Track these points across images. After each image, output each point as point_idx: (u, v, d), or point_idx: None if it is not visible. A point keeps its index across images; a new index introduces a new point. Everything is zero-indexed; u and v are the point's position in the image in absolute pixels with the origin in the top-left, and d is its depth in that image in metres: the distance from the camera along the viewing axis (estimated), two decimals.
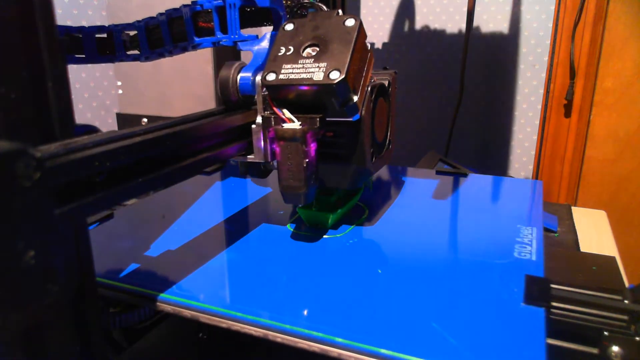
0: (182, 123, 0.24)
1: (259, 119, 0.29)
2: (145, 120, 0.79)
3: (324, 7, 0.31)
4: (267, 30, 0.33)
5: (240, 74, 0.30)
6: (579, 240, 0.44)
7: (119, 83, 0.81)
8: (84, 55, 0.37)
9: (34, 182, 0.13)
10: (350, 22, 0.28)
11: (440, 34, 0.98)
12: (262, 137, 0.29)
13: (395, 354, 0.20)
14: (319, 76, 0.26)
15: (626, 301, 0.23)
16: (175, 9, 0.35)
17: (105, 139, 0.19)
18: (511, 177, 0.45)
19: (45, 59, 0.16)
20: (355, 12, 1.01)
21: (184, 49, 0.36)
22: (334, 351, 0.21)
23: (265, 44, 0.32)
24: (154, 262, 0.29)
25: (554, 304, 0.23)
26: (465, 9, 0.85)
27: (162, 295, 0.25)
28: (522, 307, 0.23)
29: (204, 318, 0.24)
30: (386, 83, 0.34)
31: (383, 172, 0.48)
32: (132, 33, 0.38)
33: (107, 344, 0.30)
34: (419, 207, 0.38)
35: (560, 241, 0.44)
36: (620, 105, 0.80)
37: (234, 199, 0.41)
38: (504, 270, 0.27)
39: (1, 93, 0.14)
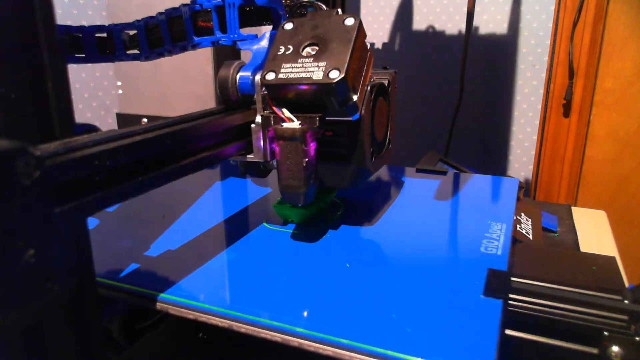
0: (181, 122, 0.24)
1: (258, 119, 0.29)
2: (145, 120, 0.79)
3: (324, 7, 0.31)
4: (266, 30, 0.33)
5: (240, 73, 0.30)
6: (579, 240, 0.44)
7: (119, 83, 0.81)
8: (83, 55, 0.37)
9: (34, 181, 0.13)
10: (349, 21, 0.28)
11: (440, 34, 0.98)
12: (261, 137, 0.29)
13: (396, 353, 0.20)
14: (318, 75, 0.26)
15: (626, 301, 0.23)
16: (174, 8, 0.35)
17: (105, 138, 0.19)
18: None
19: (45, 59, 0.16)
20: (355, 12, 1.01)
21: (184, 49, 0.36)
22: (334, 351, 0.21)
23: (264, 43, 0.32)
24: (154, 262, 0.29)
25: (512, 295, 0.24)
26: (465, 9, 0.85)
27: (162, 295, 0.25)
28: (480, 299, 0.24)
29: (204, 318, 0.24)
30: (386, 82, 0.34)
31: (383, 173, 0.48)
32: (132, 32, 0.38)
33: (107, 344, 0.30)
34: (397, 205, 0.38)
35: (560, 241, 0.44)
36: (620, 105, 0.80)
37: (234, 199, 0.41)
38: (469, 265, 0.27)
39: (1, 93, 0.14)
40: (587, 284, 0.24)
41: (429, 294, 0.24)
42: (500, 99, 0.97)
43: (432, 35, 0.99)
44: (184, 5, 0.34)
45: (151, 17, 0.36)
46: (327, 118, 0.28)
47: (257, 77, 0.29)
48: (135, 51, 0.38)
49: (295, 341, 0.22)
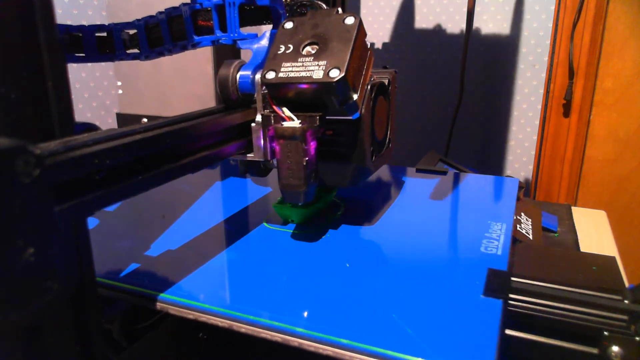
0: (182, 121, 0.24)
1: (258, 118, 0.29)
2: (145, 120, 0.79)
3: (324, 6, 0.31)
4: (266, 29, 0.33)
5: (240, 73, 0.30)
6: (579, 240, 0.44)
7: (119, 83, 0.81)
8: (83, 54, 0.37)
9: (34, 179, 0.13)
10: (349, 20, 0.28)
11: (440, 34, 0.98)
12: (261, 136, 0.29)
13: (394, 353, 0.20)
14: (318, 74, 0.26)
15: (626, 301, 0.23)
16: (174, 8, 0.35)
17: (104, 136, 0.19)
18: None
19: (45, 59, 0.16)
20: (355, 12, 1.01)
21: (184, 48, 0.36)
22: (334, 351, 0.21)
23: (264, 42, 0.32)
24: (154, 262, 0.29)
25: (512, 295, 0.24)
26: (465, 9, 0.85)
27: (162, 295, 0.25)
28: (481, 299, 0.24)
29: (204, 318, 0.24)
30: (386, 81, 0.34)
31: (383, 172, 0.48)
32: (132, 32, 0.38)
33: (107, 344, 0.30)
34: (397, 205, 0.38)
35: (560, 241, 0.44)
36: (620, 105, 0.80)
37: (234, 198, 0.41)
38: (469, 265, 0.27)
39: (1, 93, 0.14)
40: (587, 284, 0.24)
41: (429, 294, 0.24)
42: (500, 99, 0.97)
43: (432, 35, 0.99)
44: (184, 4, 0.34)
45: (151, 17, 0.36)
46: (327, 117, 0.28)
47: (258, 76, 0.29)
48: (135, 50, 0.38)
49: (295, 341, 0.22)
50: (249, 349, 0.28)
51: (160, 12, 0.36)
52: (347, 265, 0.28)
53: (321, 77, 0.26)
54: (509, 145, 0.98)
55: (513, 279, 0.25)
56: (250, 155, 0.30)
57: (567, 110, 0.82)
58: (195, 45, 0.35)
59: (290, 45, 0.28)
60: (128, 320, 0.31)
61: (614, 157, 0.82)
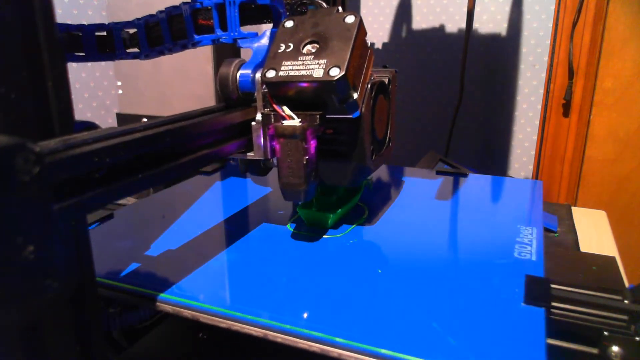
0: (182, 120, 0.24)
1: (258, 116, 0.29)
2: (145, 120, 0.79)
3: (324, 4, 0.31)
4: (265, 28, 0.33)
5: (240, 71, 0.30)
6: (579, 240, 0.44)
7: (119, 83, 0.81)
8: (83, 53, 0.37)
9: (33, 177, 0.13)
10: (350, 19, 0.28)
11: (440, 34, 0.98)
12: (262, 135, 0.29)
13: (395, 354, 0.20)
14: (318, 73, 0.26)
15: (626, 301, 0.23)
16: (175, 7, 0.35)
17: (104, 135, 0.19)
18: (511, 177, 0.45)
19: (45, 59, 0.16)
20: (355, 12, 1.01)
21: (184, 47, 0.36)
22: (334, 351, 0.21)
23: (265, 41, 0.32)
24: (154, 262, 0.29)
25: (554, 304, 0.23)
26: (465, 9, 0.85)
27: (162, 295, 0.25)
28: (522, 307, 0.23)
29: (204, 318, 0.24)
30: (386, 80, 0.34)
31: (382, 172, 0.48)
32: (132, 31, 0.38)
33: (107, 344, 0.30)
34: (419, 207, 0.37)
35: (560, 241, 0.44)
36: (620, 105, 0.80)
37: (234, 198, 0.41)
38: (504, 270, 0.27)
39: (1, 93, 0.14)
40: (587, 284, 0.24)
41: (469, 302, 0.24)
42: (500, 99, 0.97)
43: (432, 35, 0.99)
44: (185, 3, 0.34)
45: (151, 16, 0.36)
46: (327, 116, 0.28)
47: (258, 75, 0.29)
48: (135, 50, 0.38)
49: (295, 341, 0.22)
50: (249, 349, 0.28)
51: (161, 11, 0.36)
52: (379, 272, 0.27)
53: (321, 75, 0.26)
54: (509, 145, 0.98)
55: (553, 286, 0.24)
56: (250, 154, 0.30)
57: (567, 110, 0.82)
58: (195, 44, 0.35)
59: (290, 44, 0.28)
60: None
61: (614, 157, 0.82)
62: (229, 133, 0.28)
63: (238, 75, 0.30)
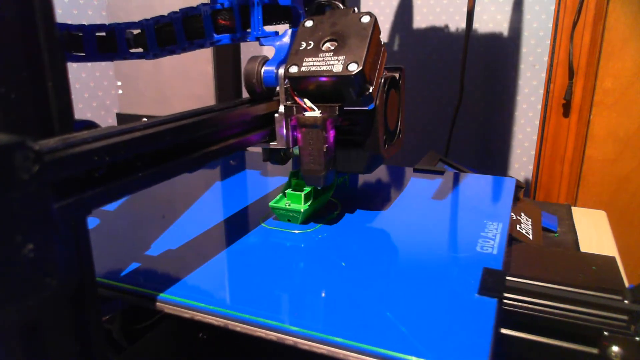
0: (187, 117, 0.25)
1: (281, 109, 0.32)
2: (145, 120, 0.79)
3: (341, 5, 0.33)
4: (268, 29, 0.35)
5: (264, 68, 0.32)
6: (579, 240, 0.44)
7: (119, 83, 0.81)
8: (84, 54, 0.38)
9: (33, 175, 0.13)
10: (366, 18, 0.30)
11: (440, 34, 0.98)
12: (284, 125, 0.32)
13: (347, 341, 0.20)
14: (338, 68, 0.29)
15: (626, 301, 0.23)
16: (191, 8, 0.36)
17: (104, 134, 0.19)
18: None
19: (45, 59, 0.16)
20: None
21: (201, 46, 0.37)
22: (329, 349, 0.21)
23: (286, 39, 0.34)
24: (154, 262, 0.29)
25: (507, 295, 0.24)
26: (465, 9, 0.85)
27: (162, 295, 0.25)
28: (475, 297, 0.24)
29: (200, 317, 0.24)
30: (397, 76, 0.36)
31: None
32: (136, 31, 0.38)
33: (107, 344, 0.30)
34: (393, 204, 0.38)
35: (560, 241, 0.44)
36: (620, 105, 0.80)
37: (234, 198, 0.41)
38: (464, 263, 0.27)
39: (1, 93, 0.14)
40: (587, 284, 0.24)
41: (424, 293, 0.25)
42: (500, 99, 0.97)
43: (432, 35, 0.99)
44: (204, 4, 0.36)
45: (162, 16, 0.37)
46: (344, 108, 0.30)
47: (281, 71, 0.32)
48: (140, 50, 0.39)
49: (290, 340, 0.22)
50: (249, 349, 0.28)
51: (175, 12, 0.37)
52: (343, 265, 0.28)
53: (340, 70, 0.28)
54: (509, 145, 0.98)
55: (508, 278, 0.25)
56: (273, 144, 0.32)
57: (567, 110, 0.82)
58: (214, 43, 0.37)
59: (311, 42, 0.31)
60: (128, 320, 0.31)
61: (614, 157, 0.82)
62: (253, 124, 0.31)
63: (262, 71, 0.32)
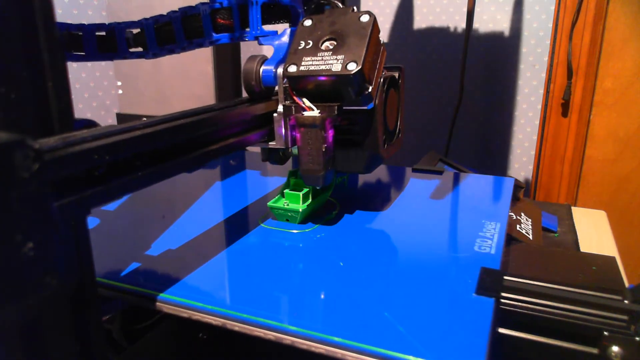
0: (185, 116, 0.25)
1: (280, 108, 0.31)
2: (144, 120, 0.79)
3: (340, 4, 0.33)
4: (267, 28, 0.35)
5: (263, 67, 0.32)
6: (579, 240, 0.44)
7: (119, 83, 0.81)
8: (83, 53, 0.38)
9: (33, 174, 0.13)
10: (365, 18, 0.30)
11: (440, 34, 0.98)
12: (283, 125, 0.31)
13: (346, 341, 0.20)
14: (337, 67, 0.28)
15: (626, 301, 0.23)
16: (190, 7, 0.36)
17: (104, 133, 0.19)
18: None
19: (45, 59, 0.16)
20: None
21: (200, 45, 0.37)
22: (327, 349, 0.21)
23: (285, 39, 0.34)
24: (154, 262, 0.29)
25: (505, 294, 0.24)
26: (465, 9, 0.85)
27: (162, 295, 0.25)
28: (473, 297, 0.24)
29: (198, 316, 0.24)
30: (396, 75, 0.36)
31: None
32: (135, 31, 0.38)
33: (107, 344, 0.30)
34: (391, 204, 0.38)
35: (560, 241, 0.44)
36: (620, 105, 0.80)
37: (233, 198, 0.41)
38: (462, 263, 0.27)
39: (1, 93, 0.14)
40: (587, 284, 0.24)
41: (422, 293, 0.25)
42: (500, 99, 0.97)
43: (432, 35, 0.99)
44: (203, 3, 0.35)
45: (161, 16, 0.37)
46: (343, 107, 0.30)
47: (280, 70, 0.31)
48: (139, 49, 0.39)
49: (288, 339, 0.22)
50: (248, 349, 0.28)
51: (174, 11, 0.37)
52: (341, 264, 0.28)
53: (340, 69, 0.28)
54: (509, 145, 0.98)
55: (506, 277, 0.25)
56: (272, 143, 0.32)
57: (566, 110, 0.82)
58: (213, 42, 0.37)
59: (310, 41, 0.30)
60: (128, 320, 0.31)
61: (614, 157, 0.82)
62: (252, 124, 0.31)
63: (261, 70, 0.32)
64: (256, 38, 0.35)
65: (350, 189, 0.42)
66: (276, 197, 0.35)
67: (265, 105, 0.31)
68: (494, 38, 0.94)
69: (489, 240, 0.30)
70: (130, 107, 0.82)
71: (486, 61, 0.96)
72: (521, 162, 0.98)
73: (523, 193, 0.50)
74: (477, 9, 0.93)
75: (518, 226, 0.39)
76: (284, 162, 0.35)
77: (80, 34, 0.37)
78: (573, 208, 0.52)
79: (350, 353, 0.20)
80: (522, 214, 0.42)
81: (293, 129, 0.31)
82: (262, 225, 0.34)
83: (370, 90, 0.30)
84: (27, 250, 0.13)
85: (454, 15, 0.96)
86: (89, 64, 0.98)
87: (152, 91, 0.79)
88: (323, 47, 0.30)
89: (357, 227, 0.33)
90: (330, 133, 0.29)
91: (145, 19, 0.37)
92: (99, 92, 1.01)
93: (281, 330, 0.22)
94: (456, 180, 0.45)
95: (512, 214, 0.41)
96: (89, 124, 0.36)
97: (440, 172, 0.47)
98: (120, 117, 0.84)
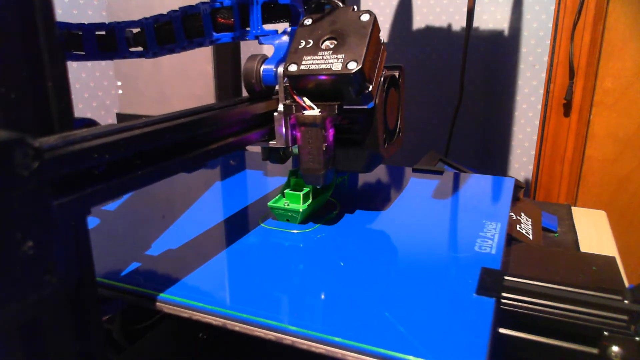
0: (186, 115, 0.25)
1: (280, 107, 0.31)
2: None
3: (340, 4, 0.33)
4: (267, 27, 0.35)
5: (263, 66, 0.32)
6: (579, 240, 0.44)
7: (119, 83, 0.81)
8: (83, 52, 0.38)
9: (32, 172, 0.13)
10: (365, 17, 0.30)
11: (440, 34, 0.98)
12: (283, 124, 0.31)
13: (346, 341, 0.20)
14: (337, 66, 0.28)
15: (626, 301, 0.23)
16: (191, 6, 0.36)
17: (103, 131, 0.19)
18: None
19: (45, 59, 0.16)
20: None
21: (200, 45, 0.37)
22: (336, 351, 0.21)
23: (285, 38, 0.34)
24: (154, 262, 0.29)
25: (505, 294, 0.24)
26: (465, 9, 0.85)
27: (162, 295, 0.25)
28: (473, 297, 0.24)
29: (198, 316, 0.24)
30: (397, 74, 0.36)
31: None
32: (135, 30, 0.38)
33: (107, 344, 0.30)
34: (391, 204, 0.38)
35: (560, 241, 0.44)
36: (620, 105, 0.80)
37: (233, 198, 0.41)
38: (463, 263, 0.27)
39: (1, 93, 0.14)
40: (587, 284, 0.24)
41: (422, 293, 0.25)
42: (500, 99, 0.97)
43: (432, 36, 0.99)
44: (203, 3, 0.35)
45: (162, 15, 0.37)
46: (344, 106, 0.30)
47: (280, 69, 0.31)
48: (139, 48, 0.38)
49: (288, 339, 0.22)
50: (248, 349, 0.28)
51: (174, 11, 0.37)
52: (341, 264, 0.28)
53: (340, 69, 0.28)
54: (509, 145, 0.98)
55: (506, 277, 0.25)
56: (272, 142, 0.32)
57: (567, 110, 0.82)
58: (213, 42, 0.37)
59: (310, 40, 0.31)
60: (128, 320, 0.31)
61: (614, 157, 0.82)
62: (252, 123, 0.31)
63: (261, 69, 0.32)
64: (256, 37, 0.35)
65: (350, 189, 0.42)
66: (276, 197, 0.35)
67: (266, 105, 0.31)
68: (494, 38, 0.94)
69: (490, 240, 0.30)
70: (130, 107, 0.82)
71: (486, 61, 0.95)
72: (521, 162, 0.98)
73: (523, 193, 0.50)
74: (477, 9, 0.93)
75: (518, 226, 0.39)
76: (284, 162, 0.35)
77: (80, 33, 0.37)
78: (573, 208, 0.52)
79: (350, 353, 0.20)
80: (522, 214, 0.42)
81: (293, 128, 0.31)
82: (262, 225, 0.34)
83: (370, 89, 0.30)
84: (26, 249, 0.13)
85: (454, 15, 0.96)
86: (89, 63, 0.97)
87: (152, 91, 0.79)
88: (323, 46, 0.30)
89: (357, 227, 0.33)
90: (331, 132, 0.29)
91: (146, 18, 0.37)
92: (99, 92, 1.01)
93: (281, 330, 0.22)
94: (456, 180, 0.45)
95: (512, 214, 0.41)
96: (89, 122, 0.36)
97: (440, 172, 0.47)
98: (120, 117, 0.84)
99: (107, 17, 0.80)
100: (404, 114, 0.38)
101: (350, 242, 0.31)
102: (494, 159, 1.00)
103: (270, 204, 0.34)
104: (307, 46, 0.30)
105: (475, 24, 0.94)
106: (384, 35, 1.02)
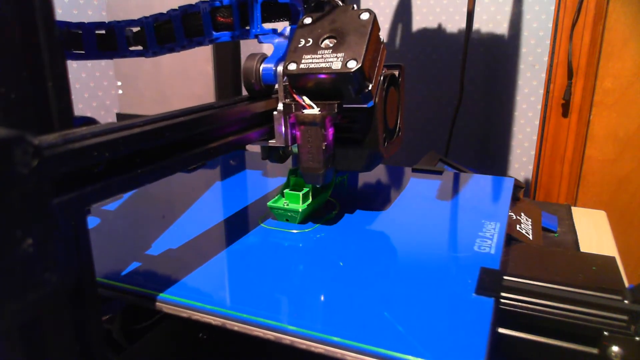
0: (184, 114, 0.25)
1: (280, 106, 0.31)
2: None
3: (340, 2, 0.32)
4: (267, 26, 0.35)
5: (263, 65, 0.32)
6: (579, 241, 0.44)
7: (119, 83, 0.81)
8: (83, 51, 0.38)
9: (32, 170, 0.13)
10: (365, 15, 0.30)
11: (440, 34, 0.98)
12: (283, 123, 0.31)
13: (345, 341, 0.21)
14: (337, 65, 0.28)
15: (626, 301, 0.23)
16: (190, 5, 0.36)
17: (103, 130, 0.19)
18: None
19: (45, 59, 0.16)
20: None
21: (200, 44, 0.37)
22: (335, 351, 0.21)
23: (285, 37, 0.34)
24: (154, 262, 0.29)
25: (504, 294, 0.24)
26: (465, 9, 0.85)
27: (162, 295, 0.25)
28: (472, 297, 0.24)
29: (198, 316, 0.24)
30: (396, 73, 0.36)
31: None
32: (135, 29, 0.38)
33: (107, 344, 0.30)
34: (391, 204, 0.38)
35: (560, 241, 0.44)
36: (620, 105, 0.80)
37: (233, 198, 0.41)
38: (462, 263, 0.27)
39: (1, 93, 0.14)
40: (587, 284, 0.24)
41: (422, 293, 0.25)
42: (500, 99, 0.97)
43: (432, 35, 0.99)
44: (202, 2, 0.35)
45: (161, 14, 0.37)
46: (343, 105, 0.30)
47: (279, 68, 0.31)
48: (139, 48, 0.38)
49: (287, 339, 0.22)
50: (248, 349, 0.28)
51: (174, 10, 0.37)
52: (341, 264, 0.28)
53: (339, 67, 0.28)
54: (509, 145, 0.98)
55: (505, 277, 0.25)
56: (272, 142, 0.32)
57: (566, 110, 0.82)
58: (213, 41, 0.37)
59: (309, 39, 0.30)
60: (128, 320, 0.31)
61: (613, 157, 0.82)
62: (252, 122, 0.31)
63: (261, 68, 0.32)
64: (256, 36, 0.35)
65: (350, 188, 0.42)
66: (276, 197, 0.35)
67: (265, 104, 0.31)
68: (494, 38, 0.94)
69: (489, 240, 0.30)
70: (130, 107, 0.82)
71: (486, 61, 0.95)
72: (521, 162, 0.98)
73: (523, 193, 0.50)
74: (477, 9, 0.93)
75: (518, 226, 0.39)
76: (283, 161, 0.35)
77: (80, 32, 0.37)
78: (573, 208, 0.52)
79: (349, 353, 0.20)
80: (522, 214, 0.42)
81: (293, 127, 0.31)
82: (262, 225, 0.34)
83: (370, 88, 0.29)
84: (26, 247, 0.13)
85: (454, 15, 0.96)
86: (89, 63, 0.97)
87: (152, 91, 0.79)
88: (323, 45, 0.30)
89: (357, 227, 0.33)
90: (330, 131, 0.29)
91: (145, 18, 0.37)
92: (99, 92, 1.01)
93: (281, 330, 0.22)
94: (456, 180, 0.45)
95: (512, 214, 0.41)
96: (88, 121, 0.36)
97: (440, 172, 0.47)
98: (120, 117, 0.84)
99: (107, 17, 0.80)
100: (404, 113, 0.38)
101: (349, 242, 0.31)
102: (493, 159, 1.00)
103: (269, 203, 0.34)
104: (307, 45, 0.30)
105: (475, 24, 0.94)
106: (384, 35, 1.02)
